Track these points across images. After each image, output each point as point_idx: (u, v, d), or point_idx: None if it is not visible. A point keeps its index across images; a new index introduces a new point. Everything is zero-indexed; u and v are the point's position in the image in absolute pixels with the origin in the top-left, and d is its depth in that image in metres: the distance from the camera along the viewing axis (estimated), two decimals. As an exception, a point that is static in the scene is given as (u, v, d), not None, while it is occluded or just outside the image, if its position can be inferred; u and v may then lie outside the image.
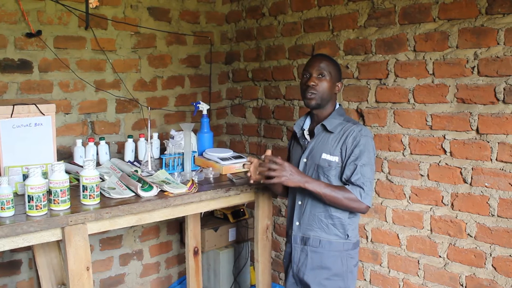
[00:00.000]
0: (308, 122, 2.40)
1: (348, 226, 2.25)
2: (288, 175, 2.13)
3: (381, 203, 2.85)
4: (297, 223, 2.33)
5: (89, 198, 2.11)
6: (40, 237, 1.97)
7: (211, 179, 2.64)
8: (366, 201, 2.14)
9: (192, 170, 2.72)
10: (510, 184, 2.34)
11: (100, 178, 2.26)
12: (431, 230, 2.65)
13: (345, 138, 2.20)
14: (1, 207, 1.93)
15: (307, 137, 2.35)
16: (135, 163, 2.88)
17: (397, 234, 2.80)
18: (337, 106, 2.34)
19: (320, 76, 2.24)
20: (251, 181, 2.38)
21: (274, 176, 2.14)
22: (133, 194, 2.28)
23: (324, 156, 2.22)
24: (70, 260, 2.03)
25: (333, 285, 2.26)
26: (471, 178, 2.47)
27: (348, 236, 2.25)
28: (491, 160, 2.39)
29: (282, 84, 3.45)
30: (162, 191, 2.34)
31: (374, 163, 2.21)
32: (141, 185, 2.28)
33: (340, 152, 2.21)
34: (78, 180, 2.29)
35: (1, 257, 2.93)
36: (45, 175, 2.22)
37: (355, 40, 2.92)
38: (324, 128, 2.27)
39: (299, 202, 2.33)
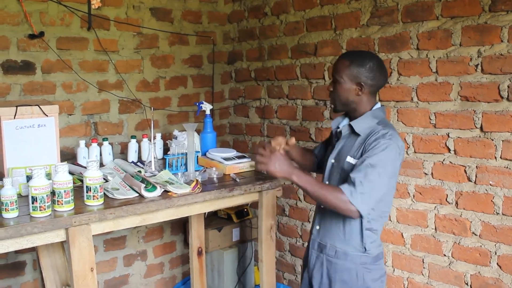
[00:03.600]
0: (346, 121, 2.23)
1: (367, 238, 2.07)
2: (275, 165, 2.04)
3: (385, 202, 2.85)
4: (317, 227, 2.22)
5: (93, 199, 2.11)
6: (44, 238, 1.97)
7: (214, 179, 2.64)
8: (355, 202, 1.92)
9: (196, 170, 2.71)
10: (514, 182, 2.33)
11: (104, 178, 2.26)
12: (435, 228, 2.64)
13: (368, 139, 2.03)
14: (5, 209, 1.94)
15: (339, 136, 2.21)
16: (138, 163, 2.88)
17: (402, 233, 2.79)
18: (376, 106, 2.13)
19: (334, 81, 2.14)
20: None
21: (260, 162, 2.09)
22: (137, 194, 2.28)
23: (348, 159, 2.07)
24: (74, 261, 2.03)
25: None
26: (476, 176, 2.46)
27: (365, 249, 2.08)
28: (495, 158, 2.38)
29: (285, 84, 3.44)
30: (165, 191, 2.34)
31: (387, 172, 1.98)
32: (144, 185, 2.28)
33: (360, 154, 2.03)
34: (81, 181, 2.29)
35: (5, 258, 2.94)
36: (48, 176, 2.22)
37: (358, 39, 2.91)
38: (352, 129, 2.11)
39: (322, 205, 2.18)
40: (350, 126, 2.12)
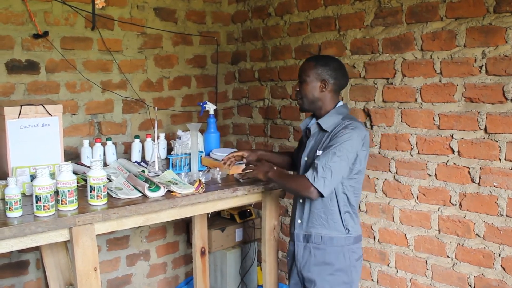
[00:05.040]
0: (313, 121, 2.42)
1: (348, 221, 2.31)
2: (260, 168, 2.44)
3: (389, 203, 2.84)
4: (299, 221, 2.39)
5: (97, 199, 2.12)
6: (48, 237, 1.98)
7: (218, 179, 2.64)
8: (318, 185, 2.15)
9: (199, 170, 2.72)
10: (519, 183, 2.32)
11: (107, 178, 2.27)
12: (439, 230, 2.63)
13: (333, 131, 2.26)
14: (9, 208, 1.94)
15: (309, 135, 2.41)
16: (142, 163, 2.88)
17: (405, 234, 2.78)
18: (339, 104, 2.37)
19: (301, 81, 2.37)
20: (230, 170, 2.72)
21: (251, 170, 2.50)
22: (140, 194, 2.29)
23: (318, 153, 2.27)
24: (78, 261, 2.04)
25: (337, 280, 2.31)
26: (479, 177, 2.45)
27: (348, 230, 2.31)
28: (499, 159, 2.37)
29: (288, 84, 3.44)
30: (169, 191, 2.34)
31: (348, 158, 2.19)
32: (148, 185, 2.28)
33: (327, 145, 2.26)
34: (85, 180, 2.29)
35: (9, 257, 2.94)
36: (52, 175, 2.22)
37: (362, 40, 2.91)
38: (320, 127, 2.32)
39: (300, 201, 2.40)
40: (318, 124, 2.34)
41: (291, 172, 2.73)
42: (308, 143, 2.38)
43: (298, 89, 2.39)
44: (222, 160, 2.66)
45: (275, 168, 2.45)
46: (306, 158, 2.37)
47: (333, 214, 2.29)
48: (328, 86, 2.31)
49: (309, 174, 2.18)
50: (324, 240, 2.30)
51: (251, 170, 2.49)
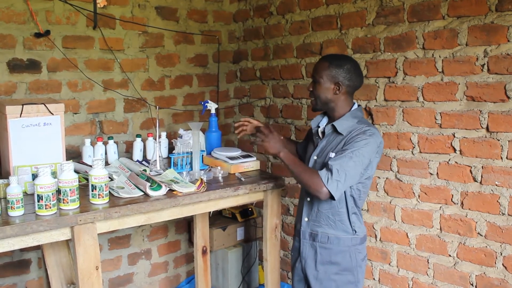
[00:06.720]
0: (325, 120, 2.41)
1: (355, 222, 2.30)
2: (271, 142, 2.34)
3: (390, 202, 2.84)
4: (306, 219, 2.38)
5: (98, 198, 2.12)
6: (50, 236, 1.98)
7: (219, 178, 2.64)
8: (330, 188, 2.11)
9: (201, 169, 2.72)
10: (521, 182, 2.32)
11: (109, 177, 2.27)
12: (440, 229, 2.63)
13: (350, 134, 2.22)
14: (11, 207, 1.95)
15: (321, 135, 2.38)
16: (143, 162, 2.89)
17: (406, 233, 2.78)
18: (354, 107, 2.32)
19: (314, 81, 2.32)
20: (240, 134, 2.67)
21: (261, 138, 2.37)
22: (142, 193, 2.29)
23: (331, 154, 2.25)
24: (80, 260, 2.04)
25: (343, 280, 2.31)
26: (481, 176, 2.45)
27: (355, 231, 2.30)
28: (501, 158, 2.37)
29: (290, 83, 3.44)
30: (170, 190, 2.35)
31: (363, 164, 2.17)
32: (149, 184, 2.29)
33: (341, 148, 2.23)
34: (87, 179, 2.29)
35: (10, 256, 2.95)
36: (54, 174, 2.23)
37: (363, 38, 2.90)
38: (335, 129, 2.28)
39: (308, 199, 2.38)
40: (333, 126, 2.29)
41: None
42: (320, 143, 2.35)
43: (311, 89, 2.33)
44: (236, 125, 2.71)
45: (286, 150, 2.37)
46: (315, 157, 2.34)
47: (341, 215, 2.28)
48: (341, 89, 2.26)
49: (323, 174, 2.13)
50: (330, 240, 2.30)
51: (262, 140, 2.37)
